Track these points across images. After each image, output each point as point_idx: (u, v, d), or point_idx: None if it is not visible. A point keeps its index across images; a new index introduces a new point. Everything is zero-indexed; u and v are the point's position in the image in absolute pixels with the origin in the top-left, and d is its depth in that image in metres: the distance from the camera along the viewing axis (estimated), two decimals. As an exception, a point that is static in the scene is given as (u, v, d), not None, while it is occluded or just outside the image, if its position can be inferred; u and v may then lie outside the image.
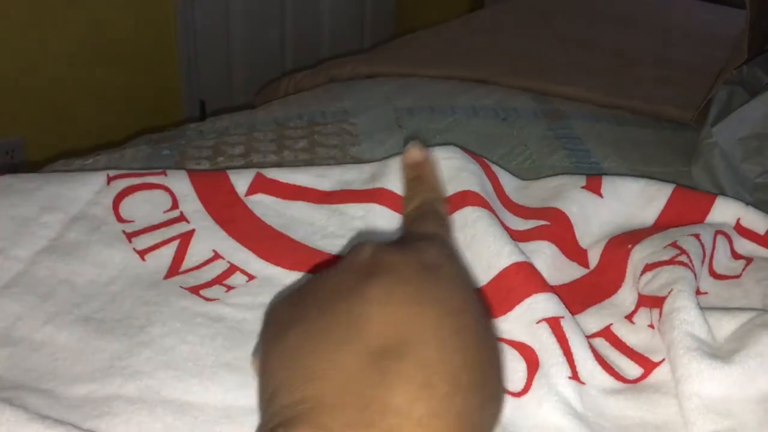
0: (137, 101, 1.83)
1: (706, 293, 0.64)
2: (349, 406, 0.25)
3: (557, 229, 0.69)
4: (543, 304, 0.58)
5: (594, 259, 0.68)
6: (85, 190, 0.69)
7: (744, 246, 0.69)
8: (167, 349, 0.52)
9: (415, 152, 0.48)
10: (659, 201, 0.72)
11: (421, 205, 0.41)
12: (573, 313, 0.59)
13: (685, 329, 0.54)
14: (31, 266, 0.60)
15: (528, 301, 0.58)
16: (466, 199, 0.68)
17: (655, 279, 0.60)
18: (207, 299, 0.59)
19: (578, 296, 0.64)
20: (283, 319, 0.30)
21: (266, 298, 0.60)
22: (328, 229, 0.69)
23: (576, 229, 0.70)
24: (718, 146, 0.82)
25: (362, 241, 0.33)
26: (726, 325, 0.56)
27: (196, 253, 0.65)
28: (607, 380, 0.55)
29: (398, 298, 0.28)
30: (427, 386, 0.25)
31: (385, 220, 0.69)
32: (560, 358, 0.54)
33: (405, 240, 0.33)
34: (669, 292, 0.57)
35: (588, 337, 0.58)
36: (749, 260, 0.67)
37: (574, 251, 0.68)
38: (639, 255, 0.64)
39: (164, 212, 0.68)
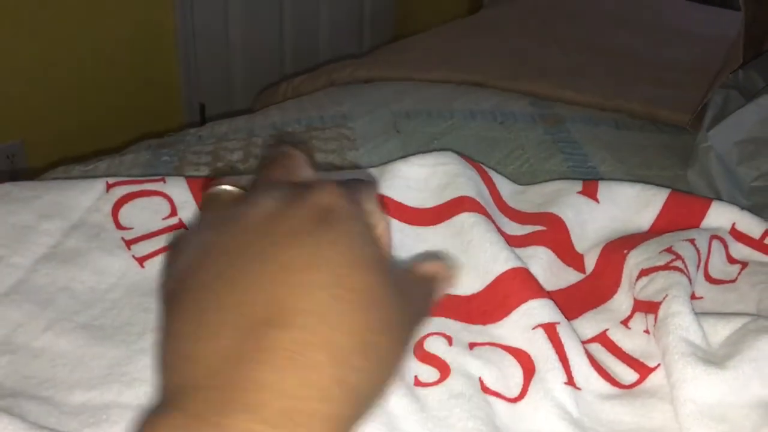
0: (137, 105, 1.83)
1: (701, 298, 0.64)
2: (220, 387, 0.23)
3: (553, 234, 0.70)
4: (539, 310, 0.58)
5: (590, 264, 0.68)
6: (85, 198, 0.69)
7: (739, 250, 0.69)
8: (166, 356, 0.53)
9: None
10: (655, 206, 0.73)
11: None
12: (569, 318, 0.60)
13: (680, 334, 0.54)
14: (30, 274, 0.61)
15: (524, 306, 0.59)
16: (462, 204, 0.69)
17: (651, 284, 0.60)
18: (205, 306, 0.59)
19: (574, 301, 0.64)
20: (176, 290, 0.27)
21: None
22: (325, 235, 0.69)
23: (572, 234, 0.70)
24: (714, 150, 0.82)
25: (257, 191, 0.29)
26: (721, 330, 0.56)
27: (195, 259, 0.65)
28: (603, 386, 0.55)
29: (288, 262, 0.25)
30: (298, 356, 0.24)
31: (383, 226, 0.69)
32: (556, 364, 0.54)
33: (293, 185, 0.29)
34: (664, 298, 0.57)
35: (584, 342, 0.58)
36: (744, 264, 0.68)
37: (570, 256, 0.69)
38: (635, 260, 0.65)
39: (163, 219, 0.69)
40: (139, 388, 0.50)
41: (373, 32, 2.20)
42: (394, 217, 0.70)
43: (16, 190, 0.69)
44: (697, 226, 0.71)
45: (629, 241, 0.68)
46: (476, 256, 0.64)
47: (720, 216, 0.71)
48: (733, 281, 0.66)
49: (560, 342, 0.56)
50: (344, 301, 0.25)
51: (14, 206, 0.67)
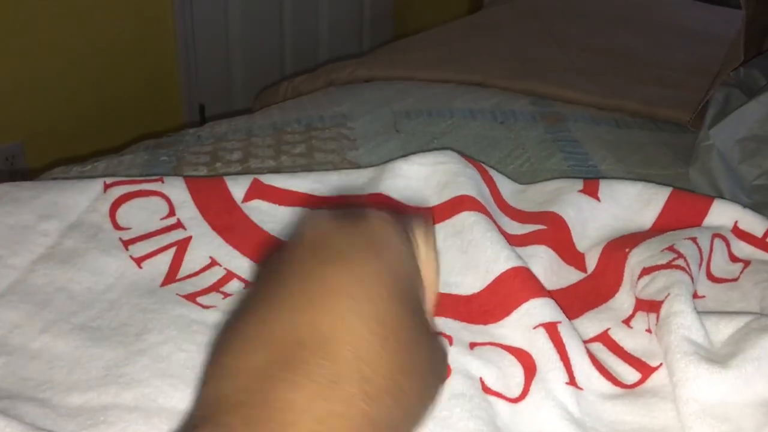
0: (137, 106, 1.83)
1: (703, 297, 0.63)
2: (251, 403, 0.24)
3: (554, 233, 0.69)
4: (540, 309, 0.58)
5: (591, 263, 0.68)
6: (82, 198, 0.69)
7: (742, 249, 0.69)
8: (163, 357, 0.52)
9: None
10: (656, 204, 0.72)
11: None
12: (570, 317, 0.59)
13: (682, 333, 0.54)
14: (28, 274, 0.60)
15: (525, 306, 0.58)
16: (462, 204, 0.68)
17: (653, 283, 0.60)
18: (204, 306, 0.59)
19: (576, 301, 0.63)
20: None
21: (263, 304, 0.60)
22: (325, 235, 0.69)
23: (573, 233, 0.70)
24: (716, 148, 0.81)
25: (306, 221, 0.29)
26: (723, 329, 0.55)
27: (193, 260, 0.65)
28: (605, 385, 0.55)
29: (331, 286, 0.26)
30: (332, 385, 0.24)
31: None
32: (557, 364, 0.54)
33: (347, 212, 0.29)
34: (666, 296, 0.57)
35: (585, 341, 0.58)
36: (747, 263, 0.67)
37: (571, 255, 0.68)
38: (636, 259, 0.64)
39: (161, 219, 0.68)
40: (137, 389, 0.50)
41: (373, 32, 2.20)
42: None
43: (14, 190, 0.69)
44: (699, 224, 0.70)
45: (631, 239, 0.67)
46: (477, 255, 0.64)
47: (722, 214, 0.70)
48: (735, 280, 0.66)
49: (561, 341, 0.55)
50: (380, 337, 0.25)
51: (12, 206, 0.66)
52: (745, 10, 0.89)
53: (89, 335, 0.55)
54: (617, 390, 0.55)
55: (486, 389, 0.53)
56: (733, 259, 0.68)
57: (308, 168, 0.85)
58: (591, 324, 0.61)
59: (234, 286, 0.62)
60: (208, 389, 0.25)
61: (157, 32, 1.84)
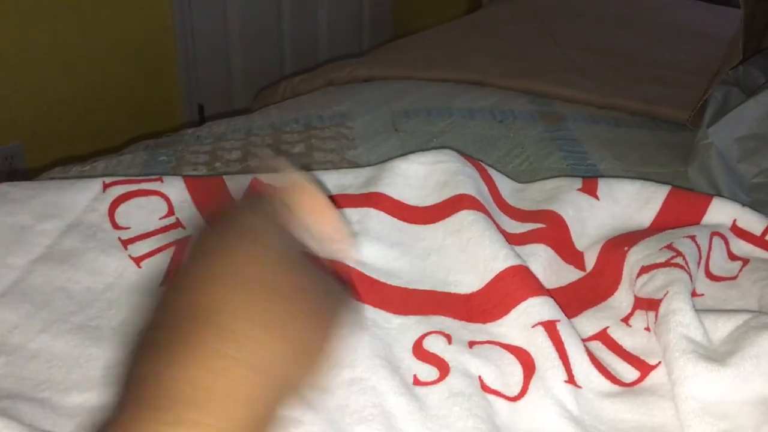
0: (136, 106, 1.82)
1: (702, 295, 0.63)
2: (132, 393, 0.29)
3: (553, 231, 0.69)
4: (539, 308, 0.58)
5: (590, 261, 0.68)
6: (81, 198, 0.69)
7: (741, 247, 0.69)
8: (162, 356, 0.52)
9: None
10: (655, 203, 0.72)
11: None
12: (569, 316, 0.59)
13: (680, 332, 0.54)
14: (27, 274, 0.60)
15: (524, 305, 0.58)
16: (461, 202, 0.68)
17: (651, 281, 0.60)
18: (203, 306, 0.59)
19: (574, 299, 0.64)
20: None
21: (262, 304, 0.60)
22: (324, 234, 0.69)
23: (572, 232, 0.70)
24: (715, 147, 0.81)
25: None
26: (722, 327, 0.55)
27: (192, 259, 0.65)
28: (604, 384, 0.55)
29: (212, 273, 0.31)
30: (218, 345, 0.28)
31: (381, 224, 0.69)
32: (556, 362, 0.54)
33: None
34: (665, 295, 0.57)
35: (584, 340, 0.58)
36: (746, 261, 0.67)
37: (570, 254, 0.68)
38: (635, 257, 0.64)
39: (160, 219, 0.68)
40: (136, 388, 0.49)
41: (372, 32, 2.20)
42: (393, 216, 0.70)
43: (13, 190, 0.69)
44: (697, 222, 0.70)
45: (630, 238, 0.67)
46: (475, 254, 0.64)
47: (721, 212, 0.70)
48: (734, 278, 0.66)
49: (560, 340, 0.55)
50: (263, 299, 0.30)
51: (10, 206, 0.67)
52: (743, 8, 0.89)
53: (88, 335, 0.55)
54: (616, 388, 0.55)
55: (485, 388, 0.53)
56: (732, 257, 0.68)
57: (307, 167, 0.85)
58: (590, 322, 0.61)
59: (233, 286, 0.62)
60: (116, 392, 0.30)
61: (156, 32, 1.84)
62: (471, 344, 0.57)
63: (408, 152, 0.78)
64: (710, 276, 0.66)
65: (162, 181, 0.72)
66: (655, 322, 0.57)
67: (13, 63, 1.62)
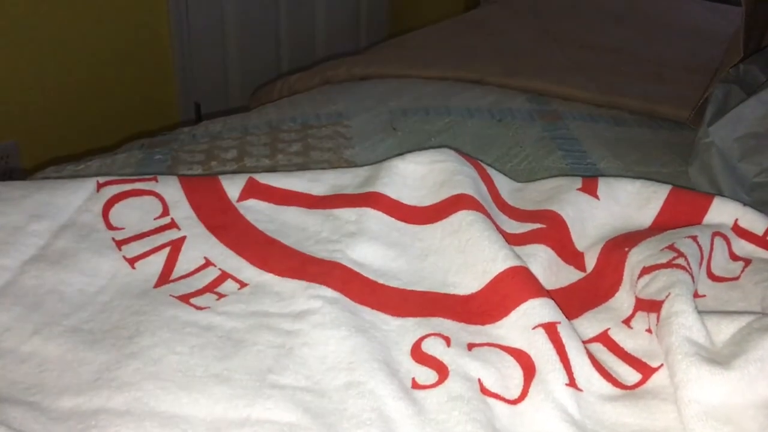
0: (132, 105, 1.81)
1: (704, 296, 0.63)
2: None
3: (553, 232, 0.68)
4: (539, 310, 0.57)
5: (591, 262, 0.67)
6: (74, 198, 0.68)
7: (743, 247, 0.68)
8: (156, 360, 0.51)
9: None
10: (656, 202, 0.71)
11: None
12: (570, 318, 0.59)
13: (683, 334, 0.53)
14: (19, 276, 0.59)
15: (524, 306, 0.58)
16: (460, 202, 0.68)
17: (653, 282, 0.59)
18: (197, 308, 0.58)
19: (575, 301, 0.63)
20: None
21: (257, 306, 0.59)
22: (321, 235, 0.68)
23: (572, 232, 0.69)
24: (715, 146, 0.81)
25: None
26: (725, 329, 0.55)
27: (187, 260, 0.64)
28: (605, 386, 0.54)
29: None
30: None
31: (378, 224, 0.68)
32: (557, 365, 0.53)
33: None
34: (667, 296, 0.56)
35: (585, 342, 0.57)
36: (748, 262, 0.66)
37: (570, 254, 0.68)
38: (636, 258, 0.63)
39: (155, 219, 0.67)
40: (129, 393, 0.49)
41: (369, 30, 2.19)
42: (391, 216, 0.69)
43: (5, 190, 0.68)
44: (699, 222, 0.69)
45: (630, 238, 0.67)
46: (474, 254, 0.63)
47: (722, 212, 0.69)
48: (736, 279, 0.65)
49: (561, 342, 0.54)
50: None
51: (3, 207, 0.65)
52: (744, 6, 0.88)
53: (81, 338, 0.54)
54: (618, 391, 0.54)
55: (484, 391, 0.52)
56: (734, 257, 0.67)
57: (304, 167, 0.84)
58: (590, 324, 0.61)
59: (228, 287, 0.61)
60: None
61: (152, 31, 1.83)
62: (470, 346, 0.56)
63: (406, 151, 0.77)
64: (712, 277, 0.65)
65: (157, 181, 0.71)
66: (656, 324, 0.56)
67: (9, 61, 1.60)
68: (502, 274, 0.60)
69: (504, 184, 0.76)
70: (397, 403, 0.50)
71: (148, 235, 0.66)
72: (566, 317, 0.57)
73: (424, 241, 0.67)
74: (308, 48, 2.07)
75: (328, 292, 0.59)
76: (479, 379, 0.53)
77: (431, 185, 0.71)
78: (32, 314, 0.56)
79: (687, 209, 0.71)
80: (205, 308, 0.58)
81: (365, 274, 0.63)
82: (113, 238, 0.65)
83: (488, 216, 0.67)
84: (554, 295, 0.60)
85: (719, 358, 0.52)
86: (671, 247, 0.62)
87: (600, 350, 0.58)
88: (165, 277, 0.62)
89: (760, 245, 0.68)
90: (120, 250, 0.64)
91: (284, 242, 0.67)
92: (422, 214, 0.69)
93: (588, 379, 0.54)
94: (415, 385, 0.52)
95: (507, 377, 0.54)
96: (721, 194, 0.77)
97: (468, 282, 0.62)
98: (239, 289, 0.61)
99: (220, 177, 0.73)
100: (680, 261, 0.60)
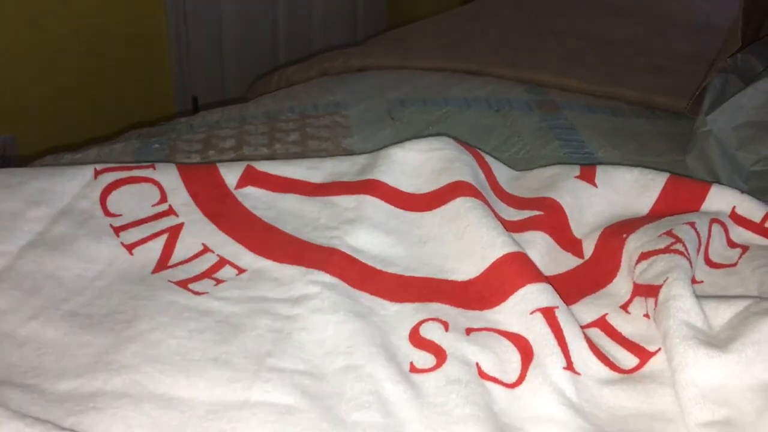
0: (129, 98, 1.81)
1: (701, 282, 0.63)
2: None
3: (551, 219, 0.68)
4: (537, 295, 0.57)
5: (589, 249, 0.67)
6: (72, 184, 0.68)
7: (740, 234, 0.68)
8: (154, 343, 0.51)
9: None
10: (654, 190, 0.71)
11: None
12: (568, 303, 0.59)
13: (680, 318, 0.53)
14: (17, 261, 0.59)
15: (522, 291, 0.58)
16: (458, 189, 0.68)
17: (651, 268, 0.59)
18: (195, 293, 0.58)
19: (573, 286, 0.63)
20: None
21: (256, 291, 0.59)
22: (319, 221, 0.68)
23: (570, 219, 0.69)
24: (713, 135, 0.81)
25: None
26: (722, 314, 0.55)
27: (185, 246, 0.64)
28: (603, 370, 0.54)
29: None
30: None
31: (377, 211, 0.68)
32: (555, 349, 0.53)
33: None
34: (664, 281, 0.56)
35: (583, 327, 0.57)
36: (745, 248, 0.66)
37: (568, 241, 0.68)
38: (634, 244, 0.63)
39: (153, 206, 0.67)
40: (127, 375, 0.49)
41: (366, 22, 2.19)
42: (389, 203, 0.69)
43: (3, 177, 0.68)
44: (696, 209, 0.69)
45: (628, 225, 0.67)
46: (473, 241, 0.63)
47: (720, 200, 0.69)
48: (733, 265, 0.65)
49: (559, 327, 0.55)
50: None
51: (1, 193, 0.65)
52: (742, -4, 0.88)
53: (79, 322, 0.54)
54: (615, 375, 0.54)
55: (482, 375, 0.52)
56: (731, 244, 0.67)
57: (302, 155, 0.84)
58: (588, 310, 0.61)
59: (226, 273, 0.61)
60: None
61: (148, 23, 1.82)
62: (468, 331, 0.56)
63: (404, 140, 0.77)
64: (710, 263, 0.65)
65: (154, 168, 0.71)
66: (654, 309, 0.56)
67: (4, 54, 1.60)
68: (501, 259, 0.61)
69: (502, 172, 0.76)
70: (396, 387, 0.50)
71: (146, 222, 0.66)
72: (564, 303, 0.57)
73: (422, 228, 0.67)
74: (306, 40, 2.07)
75: (327, 277, 0.59)
76: (477, 363, 0.53)
77: (429, 172, 0.71)
78: (30, 299, 0.56)
79: (685, 197, 0.71)
80: (203, 293, 0.58)
81: (364, 261, 0.63)
82: (111, 225, 0.65)
83: (486, 203, 0.67)
84: (552, 281, 0.61)
85: (717, 341, 0.52)
86: (669, 233, 0.62)
87: (598, 335, 0.58)
88: (163, 263, 0.62)
89: (758, 232, 0.68)
90: (118, 236, 0.64)
91: (283, 229, 0.67)
92: (421, 201, 0.69)
93: (586, 363, 0.54)
94: (414, 369, 0.52)
95: (505, 361, 0.54)
96: (719, 182, 0.77)
97: (466, 268, 0.62)
98: (237, 275, 0.61)
99: (218, 164, 0.73)
100: (678, 246, 0.60)
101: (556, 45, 1.25)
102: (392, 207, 0.69)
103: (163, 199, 0.68)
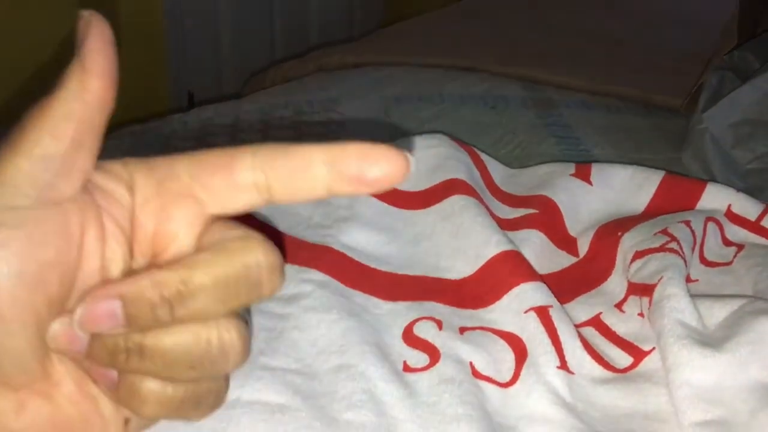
0: (123, 94, 1.80)
1: (696, 281, 0.63)
2: None
3: (546, 217, 0.68)
4: (531, 294, 0.57)
5: (583, 247, 0.67)
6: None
7: (735, 233, 0.68)
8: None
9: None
10: (649, 188, 0.71)
11: None
12: (562, 302, 0.59)
13: (675, 317, 0.53)
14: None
15: (516, 290, 0.57)
16: (453, 187, 0.67)
17: (645, 266, 0.59)
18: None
19: (567, 285, 0.63)
20: None
21: (249, 289, 0.58)
22: (313, 220, 0.67)
23: (565, 217, 0.69)
24: (709, 132, 0.81)
25: None
26: (717, 313, 0.55)
27: (178, 244, 0.63)
28: (597, 370, 0.54)
29: None
30: None
31: (371, 209, 0.68)
32: (549, 348, 0.53)
33: None
34: (659, 280, 0.56)
35: (577, 326, 0.57)
36: (740, 247, 0.66)
37: (563, 239, 0.67)
38: (629, 242, 0.63)
39: (145, 203, 0.67)
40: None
41: (363, 18, 2.18)
42: (383, 201, 0.69)
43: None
44: (692, 208, 0.69)
45: (623, 223, 0.67)
46: (467, 239, 0.63)
47: (715, 198, 0.69)
48: (728, 264, 0.65)
49: (553, 325, 0.54)
50: None
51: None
52: (738, -7, 0.88)
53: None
54: (609, 374, 0.54)
55: (476, 374, 0.52)
56: (727, 242, 0.67)
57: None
58: (583, 308, 0.60)
59: (219, 271, 0.61)
60: None
61: (143, 18, 1.82)
62: (462, 330, 0.56)
63: (399, 138, 0.77)
64: (705, 262, 0.65)
65: (147, 165, 0.70)
66: (649, 308, 0.56)
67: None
68: (495, 258, 0.60)
69: (497, 170, 0.76)
70: (389, 386, 0.49)
71: (139, 220, 0.65)
72: (558, 301, 0.57)
73: (416, 226, 0.67)
74: (302, 36, 2.06)
75: (320, 276, 0.59)
76: (471, 362, 0.52)
77: (424, 170, 0.71)
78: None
79: (680, 195, 0.70)
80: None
81: (357, 259, 0.62)
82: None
83: (481, 201, 0.67)
84: (547, 279, 0.60)
85: (711, 341, 0.52)
86: (664, 232, 0.62)
87: (592, 334, 0.58)
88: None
89: (753, 231, 0.68)
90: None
91: (276, 227, 0.66)
92: (415, 199, 0.69)
93: (580, 362, 0.54)
94: (407, 368, 0.52)
95: (499, 360, 0.53)
96: (715, 180, 0.77)
97: (460, 266, 0.62)
98: None
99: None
100: (673, 245, 0.60)
101: (552, 42, 1.25)
102: (386, 205, 0.68)
103: (156, 196, 0.68)
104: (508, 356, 0.54)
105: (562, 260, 0.66)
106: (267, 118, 0.93)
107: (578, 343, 0.54)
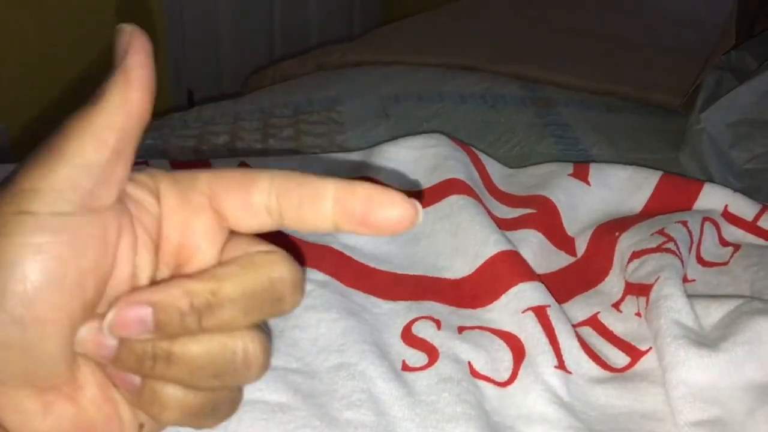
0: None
1: (693, 281, 0.63)
2: None
3: (544, 217, 0.69)
4: (529, 293, 0.57)
5: (581, 247, 0.67)
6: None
7: (732, 233, 0.68)
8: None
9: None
10: (646, 188, 0.72)
11: None
12: (560, 301, 0.59)
13: (672, 317, 0.53)
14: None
15: (514, 290, 0.58)
16: (452, 187, 0.68)
17: (642, 266, 0.59)
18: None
19: (565, 285, 0.63)
20: None
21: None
22: (312, 219, 0.68)
23: (563, 217, 0.69)
24: (707, 132, 0.81)
25: None
26: (713, 313, 0.55)
27: (178, 244, 0.64)
28: (594, 369, 0.54)
29: None
30: None
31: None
32: (546, 347, 0.53)
33: None
34: (656, 280, 0.56)
35: (575, 325, 0.57)
36: (737, 247, 0.67)
37: (561, 239, 0.68)
38: (626, 242, 0.64)
39: (146, 203, 0.67)
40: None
41: (362, 17, 2.18)
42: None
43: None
44: (689, 208, 0.70)
45: (621, 223, 0.67)
46: (466, 239, 0.63)
47: (712, 198, 0.70)
48: (725, 264, 0.65)
49: (551, 325, 0.55)
50: None
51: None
52: (736, -7, 0.88)
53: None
54: (606, 374, 0.54)
55: (474, 373, 0.52)
56: (723, 243, 0.67)
57: (296, 152, 0.84)
58: (580, 308, 0.61)
59: (219, 270, 0.61)
60: None
61: (143, 16, 1.82)
62: (460, 330, 0.56)
63: (398, 137, 0.77)
64: (701, 262, 0.65)
65: (147, 165, 0.70)
66: (646, 308, 0.57)
67: (-2, 46, 1.60)
68: (493, 258, 0.61)
69: (495, 170, 0.76)
70: (388, 385, 0.50)
71: (139, 219, 0.65)
72: (556, 301, 0.58)
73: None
74: (301, 35, 2.06)
75: (320, 275, 0.59)
76: (469, 362, 0.53)
77: (423, 170, 0.71)
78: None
79: (677, 195, 0.71)
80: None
81: (357, 258, 0.63)
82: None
83: (480, 201, 0.67)
84: (544, 279, 0.61)
85: (708, 341, 0.53)
86: (661, 232, 0.62)
87: (589, 333, 0.58)
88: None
89: (750, 231, 0.68)
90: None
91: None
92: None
93: (577, 362, 0.54)
94: (406, 368, 0.53)
95: (497, 360, 0.54)
96: (712, 180, 0.77)
97: (459, 266, 0.62)
98: None
99: (212, 161, 0.73)
100: (670, 245, 0.60)
101: (551, 40, 1.25)
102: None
103: (156, 195, 0.68)
104: (506, 356, 0.54)
105: (560, 260, 0.66)
106: (266, 117, 0.93)
107: (576, 343, 0.55)
